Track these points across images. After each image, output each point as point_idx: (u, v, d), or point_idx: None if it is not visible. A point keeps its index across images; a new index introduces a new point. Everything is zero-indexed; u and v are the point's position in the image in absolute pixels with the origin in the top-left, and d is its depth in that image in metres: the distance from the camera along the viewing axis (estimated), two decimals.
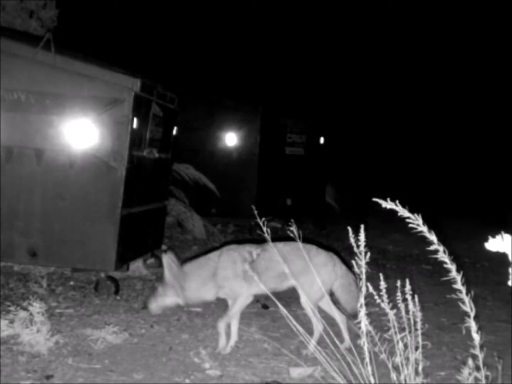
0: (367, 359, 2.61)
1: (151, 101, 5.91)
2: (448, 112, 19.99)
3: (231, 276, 4.16)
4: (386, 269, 7.22)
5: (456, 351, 4.36)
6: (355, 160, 18.16)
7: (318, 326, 4.00)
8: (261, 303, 5.47)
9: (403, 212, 2.28)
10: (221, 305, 5.39)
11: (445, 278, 2.31)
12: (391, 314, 2.60)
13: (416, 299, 2.62)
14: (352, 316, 4.19)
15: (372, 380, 2.66)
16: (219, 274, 4.17)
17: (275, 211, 9.83)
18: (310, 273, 3.88)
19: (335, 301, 4.29)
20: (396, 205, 2.29)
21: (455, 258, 2.32)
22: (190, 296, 4.21)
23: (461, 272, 2.27)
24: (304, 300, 4.03)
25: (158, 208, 6.68)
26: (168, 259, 4.16)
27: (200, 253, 4.52)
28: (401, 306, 2.59)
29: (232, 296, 4.24)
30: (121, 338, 4.28)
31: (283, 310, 2.94)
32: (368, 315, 2.59)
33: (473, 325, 2.26)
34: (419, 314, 2.62)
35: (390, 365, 2.60)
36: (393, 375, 2.61)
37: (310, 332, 2.93)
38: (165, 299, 4.21)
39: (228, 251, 4.27)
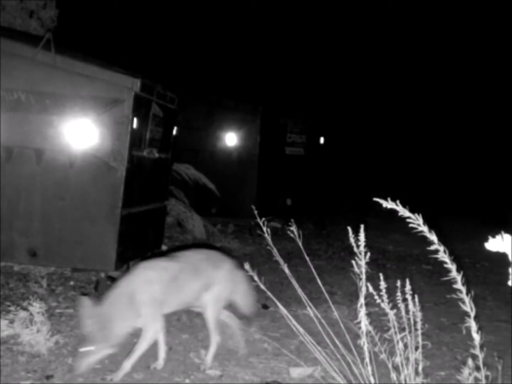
0: (367, 359, 2.61)
1: (151, 101, 5.91)
2: (448, 112, 19.99)
3: (148, 302, 3.62)
4: (386, 269, 7.21)
5: (456, 351, 4.36)
6: (355, 160, 18.16)
7: (216, 337, 3.88)
8: (261, 303, 5.47)
9: (403, 212, 2.28)
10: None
11: (445, 278, 2.30)
12: (391, 314, 2.60)
13: (416, 299, 2.62)
14: (248, 318, 4.18)
15: (372, 380, 2.66)
16: (136, 302, 3.59)
17: (275, 211, 9.83)
18: (219, 283, 3.83)
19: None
20: (396, 205, 2.29)
21: (455, 258, 2.32)
22: (117, 340, 3.59)
23: (461, 272, 2.27)
24: (210, 310, 3.84)
25: (158, 208, 6.68)
26: (86, 311, 3.50)
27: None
28: (401, 306, 2.59)
29: (145, 325, 3.68)
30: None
31: (283, 310, 2.94)
32: (368, 315, 2.59)
33: (473, 325, 2.26)
34: (419, 314, 2.61)
35: (390, 365, 2.60)
36: (393, 375, 2.61)
37: (310, 332, 2.92)
38: (95, 356, 3.54)
39: (140, 271, 3.72)
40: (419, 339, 2.62)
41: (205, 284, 3.80)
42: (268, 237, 2.83)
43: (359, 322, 2.57)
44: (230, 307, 4.12)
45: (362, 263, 2.57)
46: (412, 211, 2.31)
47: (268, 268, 6.81)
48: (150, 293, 3.60)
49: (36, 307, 4.10)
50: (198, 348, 4.22)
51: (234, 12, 16.84)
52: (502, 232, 2.12)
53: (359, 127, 19.27)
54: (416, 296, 2.63)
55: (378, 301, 2.57)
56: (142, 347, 3.64)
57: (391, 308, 2.59)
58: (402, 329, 2.61)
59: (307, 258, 3.10)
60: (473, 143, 19.44)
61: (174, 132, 6.92)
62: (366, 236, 2.59)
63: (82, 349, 3.48)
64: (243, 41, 17.20)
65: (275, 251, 2.88)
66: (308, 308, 2.91)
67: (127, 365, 3.59)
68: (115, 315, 3.53)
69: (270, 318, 5.03)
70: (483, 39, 18.14)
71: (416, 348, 2.61)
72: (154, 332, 3.67)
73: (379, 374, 2.71)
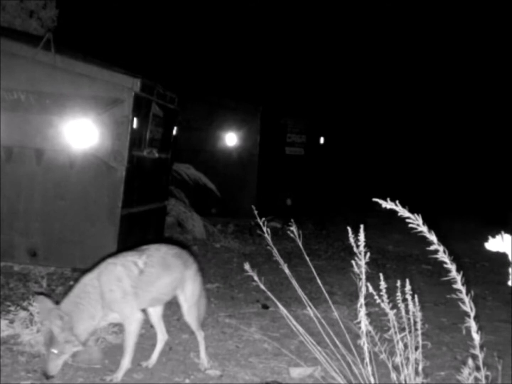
0: (367, 359, 2.61)
1: (151, 101, 5.91)
2: (448, 112, 19.99)
3: (119, 297, 3.53)
4: (386, 269, 7.22)
5: (456, 351, 4.36)
6: (355, 160, 18.17)
7: (201, 333, 3.84)
8: (261, 303, 5.47)
9: (403, 212, 2.28)
10: (221, 306, 5.40)
11: (445, 278, 2.30)
12: (391, 314, 2.60)
13: (416, 299, 2.62)
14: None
15: (372, 380, 2.66)
16: (106, 298, 3.51)
17: (275, 211, 9.84)
18: (190, 280, 3.77)
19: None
20: (396, 205, 2.29)
21: (455, 258, 2.32)
22: (85, 337, 3.47)
23: (461, 272, 2.27)
24: (187, 309, 3.76)
25: (158, 208, 6.68)
26: (43, 307, 3.41)
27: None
28: (401, 306, 2.59)
29: (124, 321, 3.63)
30: (121, 338, 4.27)
31: (283, 310, 2.94)
32: (368, 315, 2.59)
33: (473, 325, 2.26)
34: (419, 314, 2.61)
35: (390, 365, 2.60)
36: (393, 375, 2.61)
37: (310, 332, 2.92)
38: (63, 356, 3.44)
39: (107, 267, 3.61)
40: (419, 339, 2.62)
41: (177, 279, 3.73)
42: (268, 237, 2.83)
43: (359, 322, 2.57)
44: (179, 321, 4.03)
45: (362, 263, 2.57)
46: (412, 211, 2.31)
47: (268, 268, 6.81)
48: (121, 289, 3.52)
49: (36, 307, 4.10)
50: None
51: (234, 12, 16.84)
52: (502, 232, 2.12)
53: (359, 127, 19.27)
54: (416, 296, 2.63)
55: (378, 301, 2.57)
56: (130, 343, 3.59)
57: (391, 308, 2.59)
58: (402, 329, 2.61)
59: (307, 258, 3.10)
60: (473, 143, 19.44)
61: (174, 132, 6.92)
62: (366, 236, 2.59)
63: (49, 349, 3.38)
64: (243, 41, 17.21)
65: (275, 251, 2.88)
66: (308, 308, 2.91)
67: (125, 363, 3.59)
68: (80, 313, 3.43)
69: (270, 318, 5.04)
70: (483, 39, 18.14)
71: (416, 348, 2.61)
72: (135, 324, 3.59)
73: (379, 374, 2.71)
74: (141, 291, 3.58)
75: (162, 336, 3.93)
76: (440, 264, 2.33)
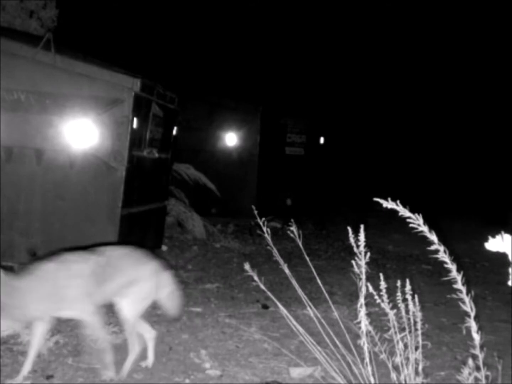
0: (367, 359, 2.61)
1: (151, 101, 5.91)
2: (449, 112, 19.99)
3: (73, 294, 3.46)
4: (386, 269, 7.22)
5: (456, 351, 4.36)
6: (355, 160, 18.16)
7: (135, 345, 3.68)
8: (261, 303, 5.47)
9: (403, 212, 2.28)
10: (221, 306, 5.40)
11: (445, 278, 2.31)
12: (391, 314, 2.60)
13: (416, 299, 2.62)
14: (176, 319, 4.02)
15: (372, 380, 2.66)
16: (59, 291, 3.43)
17: (275, 211, 9.84)
18: (141, 281, 3.67)
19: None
20: (396, 205, 2.29)
21: (455, 258, 2.32)
22: (25, 315, 3.43)
23: (461, 272, 2.27)
24: (126, 313, 3.65)
25: (158, 208, 6.68)
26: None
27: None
28: (401, 306, 2.59)
29: (77, 316, 3.58)
30: (121, 338, 4.28)
31: (283, 310, 2.94)
32: (368, 315, 2.59)
33: (473, 325, 2.26)
34: (419, 314, 2.61)
35: (390, 365, 2.60)
36: (393, 375, 2.61)
37: (310, 332, 2.92)
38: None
39: (66, 261, 3.55)
40: (419, 339, 2.62)
41: (129, 280, 3.65)
42: (268, 237, 2.83)
43: (359, 322, 2.57)
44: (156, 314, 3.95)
45: (362, 263, 2.57)
46: (412, 211, 2.31)
47: (268, 268, 6.81)
48: (74, 286, 3.45)
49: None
50: (198, 348, 4.22)
51: (234, 12, 16.84)
52: (502, 232, 2.12)
53: (359, 127, 19.27)
54: (416, 296, 2.63)
55: (378, 301, 2.57)
56: (101, 338, 3.55)
57: (391, 308, 2.59)
58: (402, 329, 2.61)
59: (307, 258, 3.10)
60: (473, 143, 19.44)
61: (174, 132, 6.92)
62: (366, 236, 2.59)
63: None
64: (243, 42, 17.21)
65: (275, 251, 2.88)
66: (308, 308, 2.91)
67: (106, 361, 3.54)
68: (31, 297, 3.38)
69: (270, 318, 5.04)
70: (483, 39, 18.14)
71: (416, 348, 2.61)
72: (91, 319, 3.51)
73: (379, 374, 2.72)
74: (92, 289, 3.52)
75: (148, 334, 3.84)
76: (440, 264, 2.33)
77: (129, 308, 3.65)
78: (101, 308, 3.64)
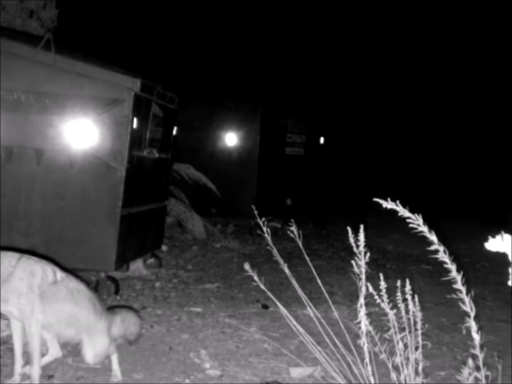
0: (367, 359, 2.61)
1: (151, 101, 5.91)
2: (448, 112, 19.99)
3: (24, 291, 3.30)
4: (386, 269, 7.22)
5: (456, 351, 4.36)
6: (355, 160, 18.16)
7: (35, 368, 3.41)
8: (261, 303, 5.47)
9: (403, 212, 2.28)
10: (221, 306, 5.40)
11: (445, 278, 2.30)
12: (391, 314, 2.59)
13: (416, 299, 2.62)
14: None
15: (372, 380, 2.66)
16: (11, 284, 3.28)
17: (275, 211, 9.84)
18: (100, 332, 3.53)
19: None
20: (396, 205, 2.29)
21: (455, 258, 2.32)
22: None
23: (461, 272, 2.27)
24: (90, 357, 3.49)
25: (158, 208, 6.68)
26: None
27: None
28: (401, 306, 2.59)
29: (18, 317, 3.39)
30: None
31: (283, 310, 2.94)
32: (368, 315, 2.59)
33: (473, 325, 2.26)
34: (419, 314, 2.61)
35: (390, 365, 2.60)
36: (393, 375, 2.61)
37: (310, 332, 2.92)
38: None
39: (30, 259, 3.42)
40: (419, 339, 2.62)
41: (80, 322, 3.49)
42: (268, 237, 2.83)
43: (359, 322, 2.57)
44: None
45: (362, 263, 2.57)
46: (412, 211, 2.31)
47: (268, 268, 6.81)
48: (29, 285, 3.31)
49: None
50: (198, 348, 4.22)
51: (233, 12, 16.84)
52: (502, 232, 2.12)
53: (359, 127, 19.27)
54: (416, 296, 2.63)
55: (378, 301, 2.57)
56: (34, 347, 3.38)
57: (391, 308, 2.59)
58: (402, 329, 2.61)
59: (307, 258, 3.10)
60: (473, 143, 19.44)
61: (174, 132, 6.92)
62: (366, 236, 2.59)
63: None
64: (243, 41, 17.20)
65: (275, 251, 2.88)
66: (308, 308, 2.91)
67: (34, 371, 3.40)
68: None
69: (270, 318, 5.04)
70: (483, 39, 18.14)
71: (416, 348, 2.61)
72: (35, 326, 3.35)
73: (379, 374, 2.71)
74: (44, 300, 3.36)
75: (54, 351, 3.70)
76: (440, 264, 2.33)
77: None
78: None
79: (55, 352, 3.72)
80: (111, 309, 3.90)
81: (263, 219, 2.90)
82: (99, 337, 3.53)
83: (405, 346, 2.59)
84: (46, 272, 3.39)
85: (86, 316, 3.51)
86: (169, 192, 7.60)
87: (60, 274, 3.46)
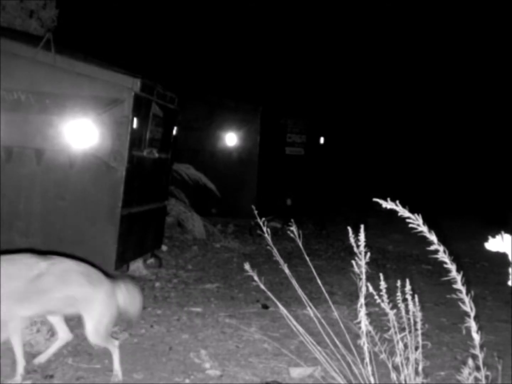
0: (367, 359, 2.61)
1: (151, 101, 5.91)
2: (448, 112, 19.99)
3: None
4: (386, 269, 7.22)
5: (456, 351, 4.36)
6: (355, 160, 18.16)
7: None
8: (261, 303, 5.47)
9: (403, 212, 2.28)
10: (221, 306, 5.40)
11: (445, 278, 2.30)
12: (391, 314, 2.60)
13: (416, 299, 2.62)
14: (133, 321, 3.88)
15: (372, 380, 2.66)
16: None
17: (275, 211, 9.84)
18: (99, 303, 3.51)
19: None
20: (396, 205, 2.29)
21: (455, 258, 2.32)
22: None
23: (461, 272, 2.27)
24: (90, 331, 3.49)
25: (158, 208, 6.68)
26: None
27: None
28: (401, 306, 2.59)
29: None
30: (121, 338, 4.28)
31: (283, 310, 2.94)
32: (368, 315, 2.59)
33: (473, 325, 2.26)
34: (419, 314, 2.61)
35: (390, 365, 2.60)
36: (393, 375, 2.61)
37: (310, 332, 2.92)
38: None
39: (3, 261, 3.37)
40: (419, 339, 2.62)
41: (76, 297, 3.49)
42: (268, 237, 2.83)
43: (359, 322, 2.57)
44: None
45: (362, 263, 2.57)
46: (412, 211, 2.31)
47: (268, 268, 6.82)
48: (5, 288, 3.29)
49: None
50: (198, 348, 4.22)
51: (233, 12, 16.84)
52: (502, 232, 2.12)
53: (359, 127, 19.27)
54: (416, 296, 2.63)
55: (378, 301, 2.57)
56: (15, 347, 3.42)
57: (391, 308, 2.59)
58: (402, 329, 2.61)
59: (307, 258, 3.10)
60: (473, 143, 19.44)
61: (174, 132, 6.92)
62: (366, 236, 2.59)
63: None
64: (243, 41, 17.20)
65: (275, 251, 2.88)
66: (308, 308, 2.91)
67: (19, 369, 3.46)
68: None
69: (270, 318, 5.04)
70: (483, 39, 18.14)
71: (416, 348, 2.61)
72: (13, 324, 3.38)
73: (379, 374, 2.72)
74: (28, 297, 3.38)
75: (64, 335, 3.73)
76: (440, 264, 2.33)
77: (92, 328, 3.51)
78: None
79: (65, 335, 3.75)
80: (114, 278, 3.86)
81: (263, 219, 2.90)
82: (98, 306, 3.52)
83: (405, 346, 2.59)
84: (22, 270, 3.39)
85: (81, 292, 3.50)
86: (169, 192, 7.60)
87: (44, 264, 3.43)
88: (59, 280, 3.46)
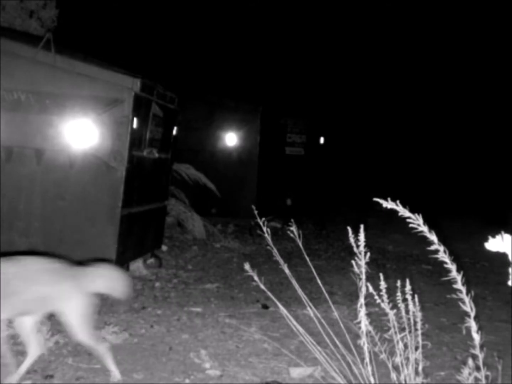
0: (367, 359, 2.61)
1: (151, 101, 5.91)
2: (448, 112, 19.99)
3: None
4: (386, 269, 7.22)
5: (456, 351, 4.36)
6: (355, 160, 18.16)
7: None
8: (261, 303, 5.47)
9: (403, 212, 2.28)
10: (221, 306, 5.40)
11: (445, 278, 2.30)
12: (391, 314, 2.60)
13: (416, 299, 2.62)
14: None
15: (372, 380, 2.66)
16: None
17: (275, 211, 9.84)
18: (75, 298, 3.44)
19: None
20: (396, 205, 2.29)
21: (455, 258, 2.32)
22: None
23: (461, 272, 2.27)
24: (74, 327, 3.42)
25: (158, 208, 6.68)
26: None
27: None
28: (401, 306, 2.59)
29: None
30: (121, 338, 4.28)
31: (283, 310, 2.94)
32: (368, 315, 2.59)
33: (473, 325, 2.26)
34: (419, 314, 2.61)
35: (390, 365, 2.60)
36: (393, 375, 2.61)
37: (310, 332, 2.92)
38: None
39: None
40: (419, 339, 2.62)
41: (49, 296, 3.41)
42: (268, 237, 2.83)
43: (359, 322, 2.57)
44: None
45: (362, 263, 2.57)
46: (412, 211, 2.31)
47: (268, 268, 6.81)
48: None
49: None
50: (198, 348, 4.22)
51: (233, 12, 16.84)
52: (502, 232, 2.12)
53: (359, 127, 19.27)
54: (416, 296, 2.63)
55: (378, 301, 2.57)
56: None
57: (391, 308, 2.59)
58: (402, 329, 2.61)
59: (307, 258, 3.10)
60: (473, 143, 19.44)
61: (174, 132, 6.92)
62: (366, 236, 2.59)
63: None
64: (243, 41, 17.20)
65: (275, 251, 2.88)
66: (308, 308, 2.91)
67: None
68: None
69: (270, 318, 5.03)
70: (483, 39, 18.14)
71: (416, 348, 2.61)
72: None
73: (379, 374, 2.71)
74: (4, 300, 3.28)
75: (34, 350, 3.55)
76: (440, 264, 2.33)
77: (76, 327, 3.45)
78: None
79: (36, 350, 3.57)
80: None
81: (263, 219, 2.90)
82: (75, 302, 3.46)
83: (405, 346, 2.59)
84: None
85: (55, 289, 3.45)
86: (169, 192, 7.60)
87: (12, 269, 3.35)
88: (29, 281, 3.39)
